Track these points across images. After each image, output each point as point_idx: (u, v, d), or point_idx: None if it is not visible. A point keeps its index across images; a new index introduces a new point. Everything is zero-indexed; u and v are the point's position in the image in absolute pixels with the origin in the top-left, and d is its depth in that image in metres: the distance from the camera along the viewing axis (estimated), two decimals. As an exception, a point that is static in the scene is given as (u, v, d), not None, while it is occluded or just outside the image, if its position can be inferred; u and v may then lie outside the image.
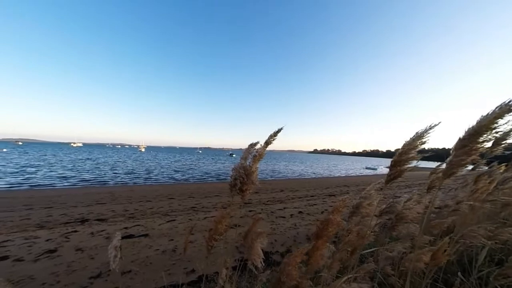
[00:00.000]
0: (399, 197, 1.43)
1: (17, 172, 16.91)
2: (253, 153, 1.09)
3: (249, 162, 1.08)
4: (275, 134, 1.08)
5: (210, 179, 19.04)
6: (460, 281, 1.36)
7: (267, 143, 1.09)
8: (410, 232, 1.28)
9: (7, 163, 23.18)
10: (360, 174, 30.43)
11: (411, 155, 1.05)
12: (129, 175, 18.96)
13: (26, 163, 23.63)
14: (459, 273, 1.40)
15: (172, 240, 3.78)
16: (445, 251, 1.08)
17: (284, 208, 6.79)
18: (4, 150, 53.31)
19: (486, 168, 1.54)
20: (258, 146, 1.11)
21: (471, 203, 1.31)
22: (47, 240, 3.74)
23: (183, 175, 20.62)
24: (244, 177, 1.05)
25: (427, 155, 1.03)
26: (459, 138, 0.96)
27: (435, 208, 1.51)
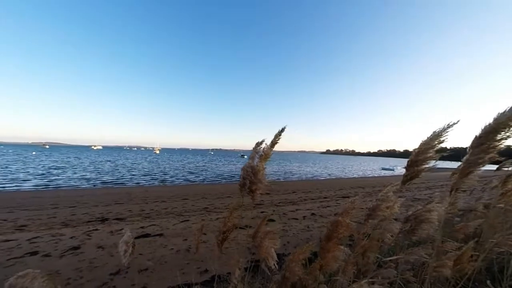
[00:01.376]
0: (418, 199, 1.36)
1: (44, 174, 18.21)
2: (260, 153, 1.11)
3: (256, 162, 1.10)
4: (279, 133, 1.11)
5: (223, 180, 19.30)
6: None
7: (273, 142, 1.12)
8: (431, 235, 1.20)
9: (37, 165, 25.02)
10: (377, 175, 29.28)
11: (428, 155, 0.99)
12: (145, 176, 19.72)
13: (53, 165, 25.37)
14: (488, 282, 1.29)
15: (186, 240, 3.86)
16: (471, 256, 1.00)
17: (297, 209, 6.69)
18: (33, 153, 57.67)
19: None
20: (264, 145, 1.14)
21: (502, 206, 1.21)
22: (71, 238, 3.98)
23: (197, 177, 21.09)
24: (252, 176, 1.06)
25: (446, 154, 0.98)
26: (476, 136, 0.94)
27: (459, 210, 1.41)
